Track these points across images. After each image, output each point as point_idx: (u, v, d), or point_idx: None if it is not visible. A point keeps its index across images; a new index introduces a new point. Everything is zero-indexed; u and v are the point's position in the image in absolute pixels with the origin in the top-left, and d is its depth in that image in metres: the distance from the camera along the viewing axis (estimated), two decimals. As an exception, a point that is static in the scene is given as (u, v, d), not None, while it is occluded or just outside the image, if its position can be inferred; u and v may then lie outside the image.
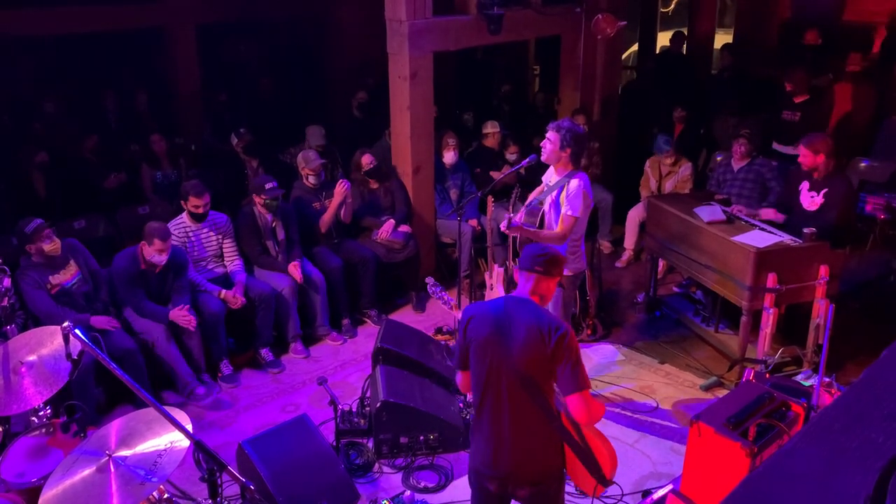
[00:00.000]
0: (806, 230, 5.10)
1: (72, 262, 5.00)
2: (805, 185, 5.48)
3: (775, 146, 7.27)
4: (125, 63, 8.68)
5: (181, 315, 5.04)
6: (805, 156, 5.40)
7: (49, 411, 3.58)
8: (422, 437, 4.47)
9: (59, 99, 7.85)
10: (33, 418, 3.55)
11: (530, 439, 2.91)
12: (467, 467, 3.19)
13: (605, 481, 3.03)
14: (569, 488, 3.26)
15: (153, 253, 5.04)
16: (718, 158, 7.53)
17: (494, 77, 10.49)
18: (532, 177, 6.60)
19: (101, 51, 8.21)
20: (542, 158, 4.58)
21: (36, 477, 3.19)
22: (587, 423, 2.93)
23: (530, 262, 3.01)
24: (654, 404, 5.08)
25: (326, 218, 6.09)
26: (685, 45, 9.91)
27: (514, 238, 4.93)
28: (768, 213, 5.66)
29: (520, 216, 4.65)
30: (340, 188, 6.02)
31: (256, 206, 5.78)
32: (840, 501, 0.84)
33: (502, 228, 4.57)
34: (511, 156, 7.27)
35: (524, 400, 2.85)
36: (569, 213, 4.43)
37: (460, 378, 3.12)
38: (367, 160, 6.35)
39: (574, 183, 4.43)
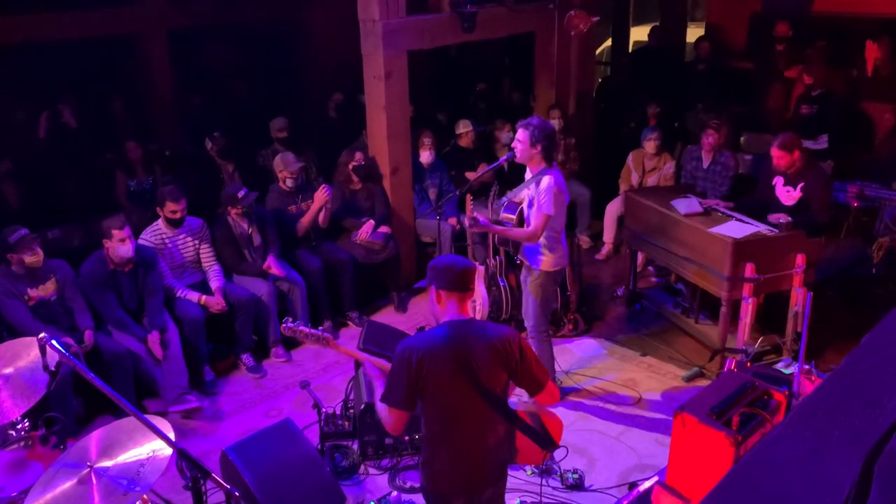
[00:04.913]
0: (782, 220, 5.14)
1: (52, 280, 4.89)
2: (779, 180, 5.48)
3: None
4: (97, 69, 8.56)
5: (154, 345, 4.96)
6: (781, 157, 5.35)
7: (27, 424, 3.52)
8: (407, 438, 4.46)
9: (29, 107, 7.72)
10: (11, 432, 3.50)
11: (497, 448, 2.91)
12: (423, 489, 3.01)
13: (555, 447, 3.11)
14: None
15: (116, 246, 4.88)
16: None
17: (469, 75, 10.47)
18: (511, 175, 6.61)
19: (72, 58, 8.09)
20: (517, 159, 4.59)
21: (15, 492, 3.13)
22: (554, 405, 3.02)
23: (465, 283, 2.88)
24: (638, 397, 5.11)
25: (304, 222, 6.04)
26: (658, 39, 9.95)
27: (487, 235, 4.90)
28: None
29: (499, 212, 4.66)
30: (321, 194, 5.98)
31: (231, 216, 5.73)
32: (826, 488, 0.84)
33: (465, 225, 4.54)
34: (506, 135, 7.26)
35: (488, 413, 2.83)
36: (540, 210, 4.44)
37: (395, 419, 2.81)
38: (358, 156, 6.32)
39: (545, 180, 4.43)
